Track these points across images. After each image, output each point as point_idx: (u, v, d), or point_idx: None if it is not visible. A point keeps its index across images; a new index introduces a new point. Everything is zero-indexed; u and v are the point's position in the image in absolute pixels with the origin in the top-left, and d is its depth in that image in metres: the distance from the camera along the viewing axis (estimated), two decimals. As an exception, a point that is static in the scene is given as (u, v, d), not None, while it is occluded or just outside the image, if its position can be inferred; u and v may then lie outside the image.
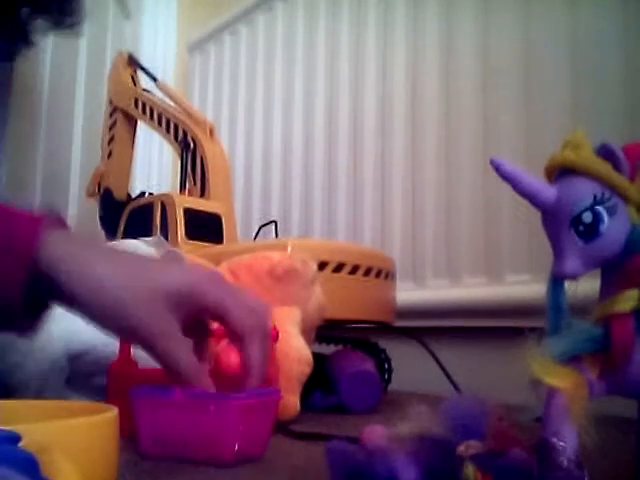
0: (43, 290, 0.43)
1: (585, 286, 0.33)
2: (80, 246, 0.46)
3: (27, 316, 0.45)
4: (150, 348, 0.45)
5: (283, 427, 0.62)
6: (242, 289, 0.51)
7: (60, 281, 0.43)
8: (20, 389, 0.61)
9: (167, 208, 1.06)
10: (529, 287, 0.92)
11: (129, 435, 0.44)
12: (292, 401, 0.68)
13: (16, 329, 0.47)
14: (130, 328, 0.44)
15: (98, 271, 0.44)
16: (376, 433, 0.38)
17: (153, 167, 1.79)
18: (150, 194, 1.21)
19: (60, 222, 0.47)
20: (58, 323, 0.53)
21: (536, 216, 0.36)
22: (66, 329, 0.63)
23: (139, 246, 0.86)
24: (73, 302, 0.44)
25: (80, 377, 0.66)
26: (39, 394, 0.61)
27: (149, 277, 0.45)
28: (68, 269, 0.43)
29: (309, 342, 0.74)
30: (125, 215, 1.17)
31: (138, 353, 0.61)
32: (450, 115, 1.14)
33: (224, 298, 0.46)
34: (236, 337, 0.47)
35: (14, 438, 0.18)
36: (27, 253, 0.42)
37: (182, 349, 0.45)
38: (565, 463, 0.28)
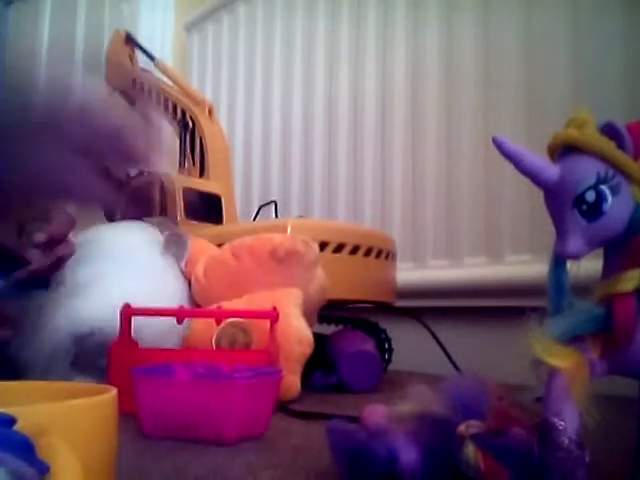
0: None
1: (587, 266, 0.33)
2: None
3: None
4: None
5: (284, 406, 0.62)
6: None
7: None
8: (26, 370, 0.61)
9: (166, 188, 1.05)
10: (530, 267, 0.92)
11: (131, 415, 0.44)
12: (293, 381, 0.68)
13: None
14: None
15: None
16: (376, 413, 0.38)
17: (152, 147, 1.78)
18: (149, 174, 1.20)
19: None
20: (64, 305, 0.53)
21: (538, 195, 0.35)
22: (71, 311, 0.63)
23: (144, 228, 0.86)
24: None
25: (85, 358, 0.66)
26: (44, 375, 0.61)
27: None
28: None
29: (311, 323, 0.74)
30: (124, 194, 1.17)
31: (139, 333, 0.62)
32: (451, 95, 1.13)
33: None
34: None
35: (9, 420, 0.18)
36: None
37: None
38: (566, 443, 0.28)
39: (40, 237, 0.53)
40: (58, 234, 0.55)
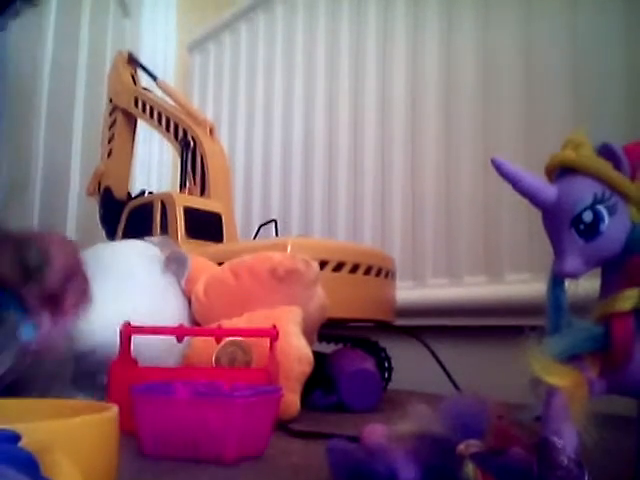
0: None
1: (585, 285, 0.33)
2: None
3: None
4: None
5: (283, 426, 0.62)
6: None
7: None
8: (26, 388, 0.61)
9: (167, 207, 1.06)
10: (529, 286, 0.92)
11: (130, 433, 0.44)
12: (293, 400, 0.68)
13: None
14: None
15: None
16: (376, 432, 0.38)
17: (153, 166, 1.79)
18: (150, 193, 1.21)
19: None
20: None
21: (536, 215, 0.36)
22: (72, 329, 0.63)
23: (145, 246, 0.86)
24: None
25: (86, 376, 0.66)
26: (45, 393, 0.61)
27: None
28: None
29: (311, 342, 0.74)
30: (125, 214, 1.17)
31: (139, 352, 0.62)
32: (450, 115, 1.14)
33: None
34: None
35: (14, 437, 0.18)
36: None
37: None
38: (565, 462, 0.28)
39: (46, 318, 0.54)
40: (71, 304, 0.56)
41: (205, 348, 0.70)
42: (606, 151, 0.33)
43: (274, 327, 0.64)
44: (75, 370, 0.64)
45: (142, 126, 1.34)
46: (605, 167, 0.32)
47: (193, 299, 0.81)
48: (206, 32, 1.79)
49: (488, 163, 0.35)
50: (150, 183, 1.71)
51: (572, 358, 0.31)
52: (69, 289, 0.55)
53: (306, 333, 0.73)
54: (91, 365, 0.65)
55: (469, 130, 1.10)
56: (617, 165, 0.32)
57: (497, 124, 1.05)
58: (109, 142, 1.33)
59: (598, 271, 0.34)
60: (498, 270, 1.02)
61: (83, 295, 0.56)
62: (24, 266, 0.54)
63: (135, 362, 0.61)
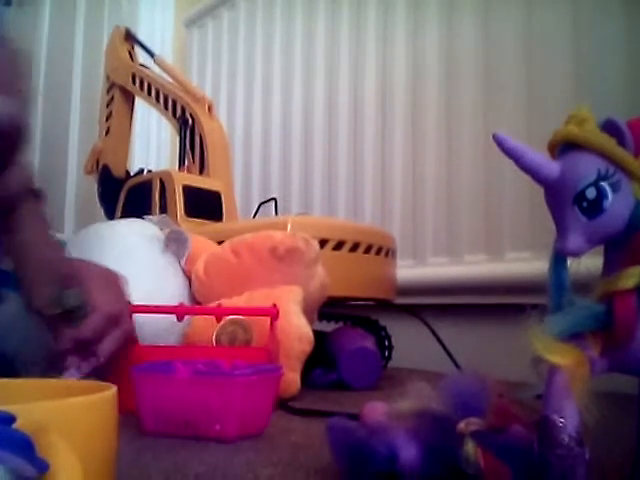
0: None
1: (588, 263, 0.33)
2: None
3: None
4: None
5: (284, 404, 0.62)
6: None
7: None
8: (25, 369, 0.61)
9: (166, 185, 1.05)
10: (530, 264, 0.92)
11: (130, 412, 0.44)
12: (293, 378, 0.68)
13: None
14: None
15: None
16: (376, 410, 0.38)
17: (152, 144, 1.78)
18: (149, 171, 1.20)
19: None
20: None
21: (538, 192, 0.35)
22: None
23: (145, 225, 0.86)
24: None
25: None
26: (44, 373, 0.61)
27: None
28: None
29: (311, 321, 0.74)
30: (124, 192, 1.17)
31: (139, 330, 0.62)
32: (451, 92, 1.13)
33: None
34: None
35: (9, 418, 0.18)
36: None
37: None
38: (566, 440, 0.28)
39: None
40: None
41: (205, 327, 0.70)
42: (610, 126, 0.32)
43: (274, 306, 0.64)
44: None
45: (140, 103, 1.33)
46: (609, 143, 0.32)
47: (193, 278, 0.80)
48: (204, 8, 1.77)
49: (489, 141, 0.35)
50: (149, 161, 1.70)
51: (574, 336, 0.31)
52: (106, 337, 0.53)
53: (306, 312, 0.73)
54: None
55: (470, 108, 1.09)
56: (621, 141, 0.32)
57: (498, 101, 1.04)
58: (107, 120, 1.32)
59: (601, 249, 0.34)
60: (499, 248, 1.02)
61: (120, 342, 0.55)
62: (62, 305, 0.53)
63: (136, 340, 0.61)
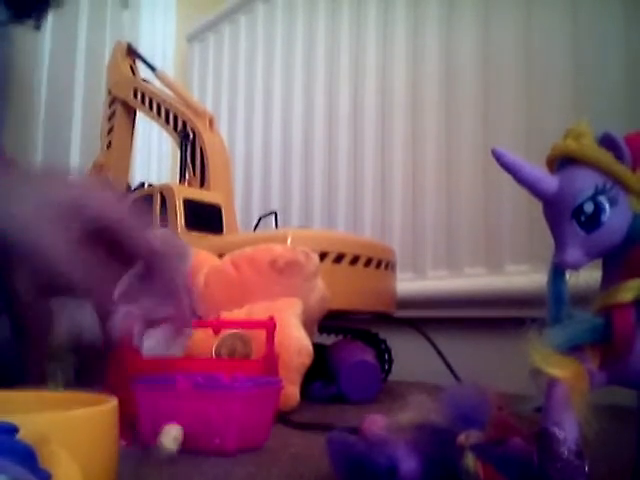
0: None
1: (586, 276, 0.33)
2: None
3: None
4: (36, 252, 0.43)
5: (283, 417, 0.62)
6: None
7: None
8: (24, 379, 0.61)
9: (167, 199, 1.06)
10: (529, 277, 0.92)
11: (129, 424, 0.44)
12: (292, 391, 0.68)
13: None
14: (17, 238, 0.43)
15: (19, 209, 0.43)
16: (376, 423, 0.38)
17: (153, 157, 1.79)
18: (149, 185, 1.21)
19: None
20: (65, 314, 0.53)
21: (536, 206, 0.35)
22: (73, 320, 0.63)
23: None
24: None
25: (86, 367, 0.66)
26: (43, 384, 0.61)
27: (38, 193, 0.44)
28: None
29: (311, 334, 0.74)
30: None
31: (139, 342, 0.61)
32: (451, 106, 1.13)
33: (106, 209, 0.45)
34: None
35: (11, 429, 0.18)
36: None
37: (61, 245, 0.43)
38: (565, 453, 0.28)
39: None
40: None
41: (205, 340, 0.70)
42: (607, 141, 0.32)
43: (271, 319, 0.64)
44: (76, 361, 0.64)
45: (141, 117, 1.34)
46: (606, 157, 0.32)
47: (193, 291, 0.80)
48: (205, 23, 1.78)
49: (488, 154, 0.35)
50: (149, 174, 1.71)
51: (573, 349, 0.31)
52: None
53: (306, 325, 0.73)
54: (92, 357, 0.65)
55: (469, 122, 1.10)
56: (618, 155, 0.32)
57: (497, 116, 1.05)
58: (108, 134, 1.33)
59: (599, 262, 0.34)
60: (498, 261, 1.02)
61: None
62: (75, 336, 0.49)
63: (137, 352, 0.61)
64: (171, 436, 0.42)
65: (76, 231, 0.43)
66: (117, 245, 0.45)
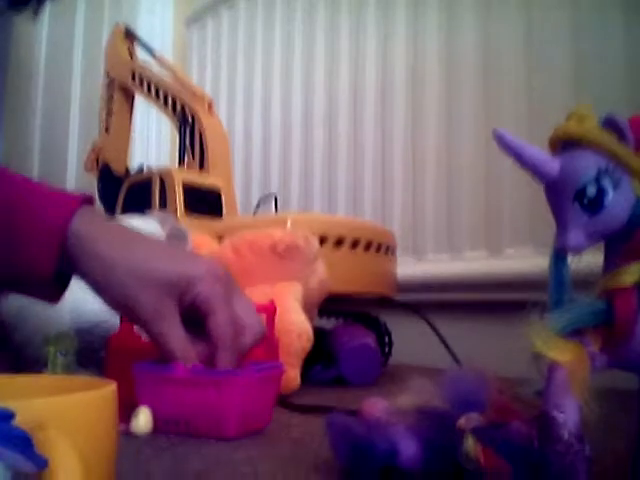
0: (68, 264, 0.48)
1: (588, 259, 0.33)
2: (100, 227, 0.50)
3: (55, 286, 0.50)
4: (145, 327, 0.49)
5: (284, 400, 0.62)
6: (242, 295, 0.51)
7: (77, 257, 0.48)
8: (29, 364, 0.62)
9: (166, 183, 1.05)
10: (531, 260, 0.92)
11: (129, 410, 0.44)
12: (293, 375, 0.68)
13: (44, 298, 0.52)
14: (129, 307, 0.48)
15: (111, 254, 0.48)
16: (376, 406, 0.38)
17: (151, 141, 1.78)
18: (148, 167, 1.20)
19: (88, 200, 0.51)
20: (66, 298, 0.53)
21: (538, 189, 0.35)
22: (74, 304, 0.63)
23: (145, 222, 0.86)
24: (85, 277, 0.49)
25: (88, 352, 0.66)
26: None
27: (154, 266, 0.48)
28: (85, 247, 0.48)
29: (311, 318, 0.74)
30: (124, 190, 1.17)
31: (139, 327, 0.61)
32: (451, 87, 1.12)
33: (211, 298, 0.48)
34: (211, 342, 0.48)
35: (8, 415, 0.18)
36: (60, 230, 0.47)
37: (173, 330, 0.48)
38: (566, 436, 0.28)
39: None
40: None
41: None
42: (610, 123, 0.32)
43: (271, 303, 0.64)
44: (78, 346, 0.65)
45: (140, 101, 1.33)
46: (609, 140, 0.32)
47: (193, 275, 0.80)
48: (204, 6, 1.76)
49: (489, 137, 0.35)
50: (149, 157, 1.70)
51: (574, 333, 0.31)
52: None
53: (306, 309, 0.73)
54: (93, 340, 0.65)
55: (470, 104, 1.09)
56: (621, 137, 0.32)
57: (499, 98, 1.04)
58: (107, 117, 1.32)
59: (601, 246, 0.34)
60: (499, 245, 1.02)
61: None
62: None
63: (138, 336, 0.61)
64: (140, 419, 0.42)
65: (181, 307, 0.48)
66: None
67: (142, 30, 1.57)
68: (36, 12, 0.80)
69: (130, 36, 1.32)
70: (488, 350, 0.78)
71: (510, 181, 1.00)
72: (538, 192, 0.35)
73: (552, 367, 0.30)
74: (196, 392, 0.47)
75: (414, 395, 0.36)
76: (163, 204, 1.04)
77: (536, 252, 0.94)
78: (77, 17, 1.86)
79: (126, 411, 0.40)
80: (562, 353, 0.30)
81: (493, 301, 1.00)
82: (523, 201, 0.97)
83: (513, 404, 0.33)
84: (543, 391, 0.30)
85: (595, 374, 0.30)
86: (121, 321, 0.60)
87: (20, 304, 0.62)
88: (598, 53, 0.90)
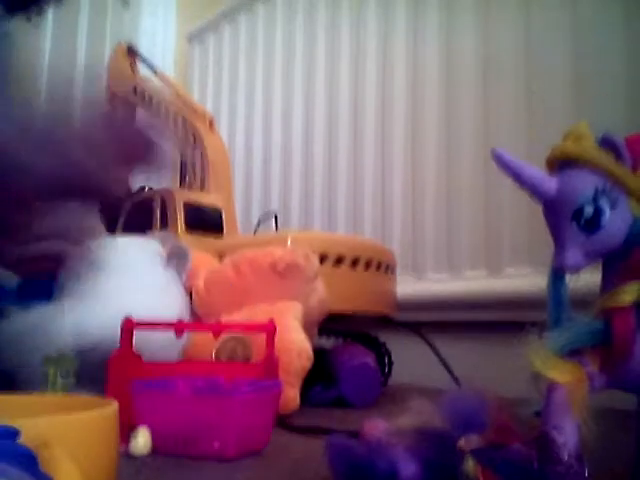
0: None
1: (586, 278, 0.33)
2: None
3: None
4: None
5: (283, 421, 0.62)
6: None
7: None
8: (27, 386, 0.61)
9: (167, 202, 1.06)
10: (529, 280, 0.92)
11: (129, 430, 0.44)
12: (292, 395, 0.68)
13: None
14: None
15: None
16: (376, 427, 0.38)
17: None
18: (150, 189, 1.21)
19: None
20: (68, 318, 0.53)
21: (537, 208, 0.35)
22: (76, 324, 0.63)
23: (147, 241, 0.86)
24: None
25: (88, 371, 0.66)
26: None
27: None
28: None
29: (311, 337, 0.74)
30: (125, 209, 1.17)
31: (140, 346, 0.61)
32: (450, 108, 1.13)
33: None
34: None
35: (13, 433, 0.18)
36: None
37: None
38: (565, 457, 0.28)
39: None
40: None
41: (205, 343, 0.70)
42: (607, 143, 0.32)
43: (271, 322, 0.64)
44: (77, 367, 0.64)
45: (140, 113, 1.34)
46: (606, 159, 0.32)
47: (194, 293, 0.80)
48: (205, 23, 1.78)
49: (488, 156, 0.35)
50: (149, 175, 1.70)
51: (572, 353, 0.31)
52: None
53: (306, 327, 0.73)
54: (93, 360, 0.65)
55: (469, 123, 1.10)
56: (618, 157, 0.32)
57: (497, 118, 1.05)
58: (108, 135, 1.33)
59: (599, 264, 0.34)
60: (498, 264, 1.02)
61: None
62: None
63: (138, 357, 0.61)
64: (139, 441, 0.42)
65: None
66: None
67: (144, 46, 1.59)
68: (37, 16, 0.80)
69: (132, 53, 1.33)
70: (488, 370, 0.78)
71: (509, 200, 1.00)
72: (537, 211, 0.35)
73: (551, 387, 0.30)
74: (195, 411, 0.47)
75: (414, 416, 0.36)
76: (164, 223, 1.05)
77: (535, 271, 0.94)
78: (79, 32, 1.88)
79: (125, 431, 0.40)
80: (561, 373, 0.30)
81: (493, 321, 1.00)
82: (522, 220, 0.97)
83: (513, 424, 0.33)
84: (542, 411, 0.31)
85: (594, 394, 0.30)
86: (121, 339, 0.60)
87: (20, 325, 0.62)
88: (598, 68, 0.91)
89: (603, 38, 0.91)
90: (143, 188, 1.23)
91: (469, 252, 1.08)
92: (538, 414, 0.31)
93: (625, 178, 0.32)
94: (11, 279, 0.56)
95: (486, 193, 1.05)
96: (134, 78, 1.28)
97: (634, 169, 0.32)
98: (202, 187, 1.13)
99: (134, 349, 0.60)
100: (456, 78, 1.13)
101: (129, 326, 0.61)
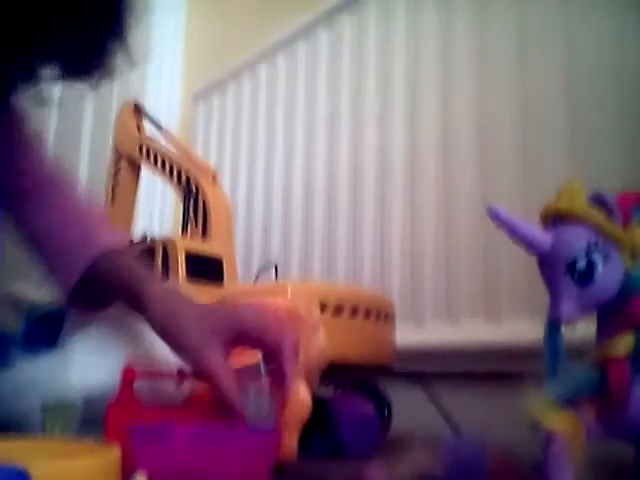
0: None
1: (582, 329, 0.34)
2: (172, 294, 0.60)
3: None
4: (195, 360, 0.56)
5: (281, 471, 0.61)
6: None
7: (153, 312, 0.57)
8: (32, 432, 0.61)
9: (169, 251, 1.07)
10: (528, 330, 0.92)
11: (126, 475, 0.44)
12: (290, 444, 0.67)
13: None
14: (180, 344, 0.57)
15: (183, 320, 0.57)
16: (376, 477, 0.38)
17: (156, 208, 1.81)
18: (152, 237, 1.22)
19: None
20: (76, 368, 0.53)
21: (534, 259, 0.36)
22: (80, 373, 0.63)
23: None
24: (151, 323, 0.58)
25: (93, 419, 0.65)
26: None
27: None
28: (164, 308, 0.58)
29: (312, 387, 0.74)
30: (127, 257, 1.18)
31: (140, 393, 0.61)
32: (448, 158, 1.16)
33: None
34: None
35: (24, 476, 0.18)
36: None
37: (219, 361, 0.56)
38: (564, 507, 0.29)
39: None
40: None
41: (207, 391, 0.70)
42: (598, 200, 0.34)
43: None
44: (79, 415, 0.64)
45: (145, 170, 1.36)
46: (597, 216, 0.33)
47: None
48: (210, 83, 1.83)
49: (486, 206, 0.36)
50: (152, 225, 1.73)
51: (569, 402, 0.31)
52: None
53: (306, 378, 0.73)
54: (99, 408, 0.65)
55: (467, 174, 1.12)
56: (609, 213, 0.33)
57: (495, 168, 1.07)
58: (113, 189, 1.35)
59: (594, 316, 0.35)
60: (497, 315, 1.03)
61: None
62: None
63: (139, 403, 0.61)
64: None
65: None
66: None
67: (150, 104, 1.63)
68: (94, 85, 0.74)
69: (139, 111, 1.37)
70: (488, 419, 0.77)
71: (507, 251, 1.01)
72: (535, 262, 0.36)
73: (549, 438, 0.31)
74: (193, 458, 0.46)
75: (414, 465, 0.36)
76: (166, 271, 1.05)
77: (533, 322, 0.94)
78: (86, 91, 1.92)
79: (123, 476, 0.40)
80: (558, 423, 0.30)
81: (492, 372, 0.99)
82: (520, 271, 0.98)
83: (512, 474, 0.33)
84: (541, 462, 0.31)
85: (591, 443, 0.30)
86: (120, 390, 0.60)
87: (25, 375, 0.62)
88: (593, 116, 0.94)
89: (599, 79, 0.94)
90: (145, 237, 1.24)
91: (468, 302, 1.08)
92: (537, 467, 0.31)
93: (616, 233, 0.33)
94: (17, 325, 0.57)
95: (484, 243, 1.07)
96: (140, 137, 1.31)
97: (624, 225, 0.33)
98: (204, 237, 1.14)
99: (135, 395, 0.60)
100: (453, 130, 1.16)
101: (129, 376, 0.61)
